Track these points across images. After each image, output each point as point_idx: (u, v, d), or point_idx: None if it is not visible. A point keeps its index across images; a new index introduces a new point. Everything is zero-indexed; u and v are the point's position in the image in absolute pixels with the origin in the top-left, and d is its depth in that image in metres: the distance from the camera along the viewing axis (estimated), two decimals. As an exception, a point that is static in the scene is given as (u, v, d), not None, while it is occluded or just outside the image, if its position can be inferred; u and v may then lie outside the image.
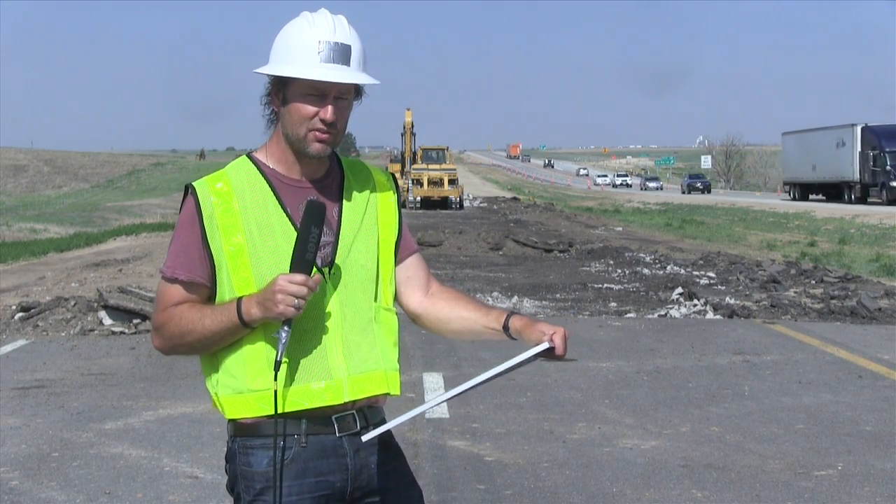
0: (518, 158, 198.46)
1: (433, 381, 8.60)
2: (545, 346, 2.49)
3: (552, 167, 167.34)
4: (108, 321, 11.74)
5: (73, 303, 12.33)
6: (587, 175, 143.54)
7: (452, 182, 50.54)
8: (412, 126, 55.23)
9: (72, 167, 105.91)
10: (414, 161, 53.70)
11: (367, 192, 2.65)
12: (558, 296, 14.98)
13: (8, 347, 10.74)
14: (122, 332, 11.37)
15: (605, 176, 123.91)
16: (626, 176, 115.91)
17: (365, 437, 2.54)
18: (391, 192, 2.70)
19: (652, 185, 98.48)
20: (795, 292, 14.57)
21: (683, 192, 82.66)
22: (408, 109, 56.12)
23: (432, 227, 30.71)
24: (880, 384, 8.61)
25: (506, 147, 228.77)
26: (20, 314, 12.32)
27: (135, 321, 11.73)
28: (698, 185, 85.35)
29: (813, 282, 15.77)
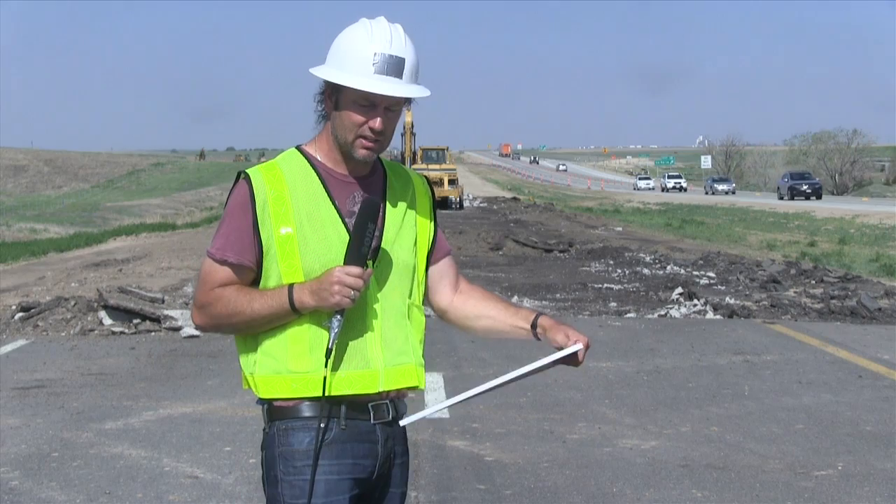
0: (509, 156, 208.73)
1: (433, 381, 8.59)
2: (577, 347, 2.60)
3: (537, 163, 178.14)
4: (108, 321, 11.74)
5: (73, 303, 12.32)
6: (566, 170, 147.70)
7: (452, 182, 50.47)
8: (412, 126, 55.05)
9: (72, 167, 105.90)
10: (414, 161, 53.55)
11: (407, 192, 2.75)
12: (558, 296, 14.98)
13: (8, 347, 10.73)
14: (122, 332, 11.38)
15: (648, 179, 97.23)
16: (680, 177, 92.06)
17: (403, 422, 2.66)
18: (427, 195, 2.80)
19: (722, 187, 76.20)
20: (795, 292, 14.57)
21: (782, 198, 59.41)
22: (408, 110, 55.95)
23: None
24: (880, 384, 8.61)
25: (498, 146, 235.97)
26: (20, 314, 12.31)
27: (135, 321, 11.73)
28: (804, 188, 58.83)
29: (813, 282, 15.77)
